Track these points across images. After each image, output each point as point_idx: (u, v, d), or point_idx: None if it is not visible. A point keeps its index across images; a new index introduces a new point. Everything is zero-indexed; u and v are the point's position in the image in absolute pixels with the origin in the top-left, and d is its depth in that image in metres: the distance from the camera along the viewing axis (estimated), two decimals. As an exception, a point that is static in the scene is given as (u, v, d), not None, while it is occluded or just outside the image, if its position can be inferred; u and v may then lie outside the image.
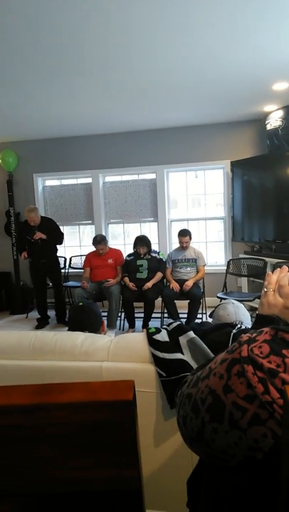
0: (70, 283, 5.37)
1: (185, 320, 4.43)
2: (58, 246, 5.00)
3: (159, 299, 4.54)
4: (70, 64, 3.11)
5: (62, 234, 5.05)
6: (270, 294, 0.81)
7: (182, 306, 4.52)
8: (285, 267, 0.84)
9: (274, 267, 4.44)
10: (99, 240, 4.74)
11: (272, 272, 0.85)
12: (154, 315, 4.51)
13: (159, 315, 4.67)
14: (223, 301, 2.02)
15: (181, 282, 4.47)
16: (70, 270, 5.66)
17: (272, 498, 0.59)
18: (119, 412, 0.52)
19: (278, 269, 0.85)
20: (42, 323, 4.94)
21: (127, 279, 4.57)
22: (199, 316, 4.57)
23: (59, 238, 4.96)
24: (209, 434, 0.63)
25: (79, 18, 2.42)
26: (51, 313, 5.11)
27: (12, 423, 0.55)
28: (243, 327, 1.60)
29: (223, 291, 4.71)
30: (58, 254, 5.07)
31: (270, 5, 2.35)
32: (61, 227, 5.16)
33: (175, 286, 4.46)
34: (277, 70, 3.42)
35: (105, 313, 4.37)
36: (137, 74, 3.41)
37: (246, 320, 1.77)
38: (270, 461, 0.58)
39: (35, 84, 3.52)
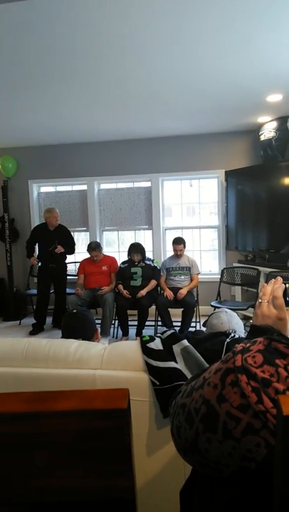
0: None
1: (179, 328, 4.43)
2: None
3: (153, 306, 4.54)
4: (65, 72, 3.14)
5: (75, 244, 5.16)
6: (265, 305, 0.81)
7: (176, 315, 4.52)
8: (279, 278, 0.85)
9: (267, 276, 4.47)
10: (93, 247, 4.74)
11: (267, 283, 0.86)
12: (147, 323, 4.51)
13: (153, 323, 4.66)
14: (216, 309, 2.02)
15: (175, 290, 4.48)
16: (64, 277, 5.64)
17: (265, 508, 0.59)
18: (113, 420, 0.52)
19: (273, 280, 0.86)
20: (37, 330, 4.92)
21: (121, 286, 4.57)
22: (193, 324, 4.56)
23: (73, 248, 5.10)
24: (203, 444, 0.63)
25: (73, 28, 2.45)
26: (47, 319, 5.10)
27: (5, 431, 0.55)
28: (237, 336, 1.60)
29: (216, 299, 4.72)
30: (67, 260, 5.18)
31: (263, 17, 2.39)
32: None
33: (169, 294, 4.46)
34: (271, 82, 3.48)
35: (99, 321, 4.35)
36: (131, 84, 3.44)
37: (239, 329, 1.77)
38: (264, 471, 0.58)
39: (31, 91, 3.54)
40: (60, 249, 4.85)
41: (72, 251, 5.10)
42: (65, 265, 5.14)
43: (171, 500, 0.96)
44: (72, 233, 5.21)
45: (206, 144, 5.43)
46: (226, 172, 5.28)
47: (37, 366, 1.48)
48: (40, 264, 5.02)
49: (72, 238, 5.14)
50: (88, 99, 3.83)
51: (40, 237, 5.02)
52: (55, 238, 4.90)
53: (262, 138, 4.89)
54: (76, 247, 5.22)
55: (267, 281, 0.87)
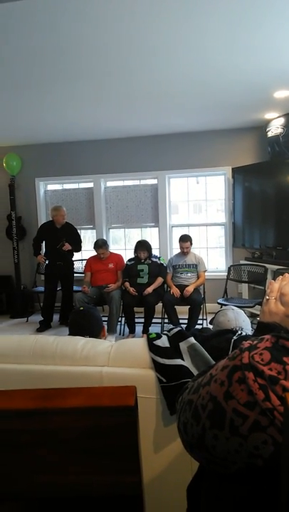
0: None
1: (185, 326, 4.42)
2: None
3: (160, 304, 4.54)
4: (70, 70, 3.14)
5: (81, 241, 5.19)
6: (272, 302, 0.81)
7: (182, 312, 4.52)
8: (287, 274, 0.85)
9: (274, 274, 4.44)
10: (100, 245, 4.75)
11: (274, 280, 0.85)
12: (154, 320, 4.51)
13: (160, 320, 4.67)
14: (223, 307, 2.02)
15: (182, 288, 4.47)
16: (71, 274, 5.66)
17: (272, 505, 0.59)
18: (121, 417, 0.52)
19: (280, 276, 0.85)
20: (44, 327, 4.95)
21: (127, 283, 4.57)
22: (200, 322, 4.56)
23: (80, 246, 5.14)
24: (210, 440, 0.63)
25: (77, 26, 2.44)
26: (55, 317, 5.13)
27: (13, 427, 0.55)
28: (244, 333, 1.60)
29: (223, 297, 4.71)
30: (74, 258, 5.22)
31: (270, 13, 2.37)
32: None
33: (175, 291, 4.46)
34: (279, 78, 3.45)
35: (106, 318, 4.36)
36: (137, 81, 3.44)
37: (246, 326, 1.77)
38: (271, 468, 0.58)
39: (37, 89, 3.55)
40: (67, 246, 4.87)
41: (79, 248, 5.12)
42: (72, 263, 5.16)
43: (179, 496, 0.96)
44: (78, 231, 5.23)
45: (213, 141, 5.40)
46: (232, 169, 5.25)
47: (44, 363, 1.49)
48: (47, 261, 5.05)
49: (79, 236, 5.16)
50: (93, 96, 3.82)
51: (47, 234, 5.04)
52: (62, 236, 4.92)
53: (269, 134, 4.85)
54: (83, 244, 5.24)
55: (274, 279, 0.87)
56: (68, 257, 5.07)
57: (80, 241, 5.15)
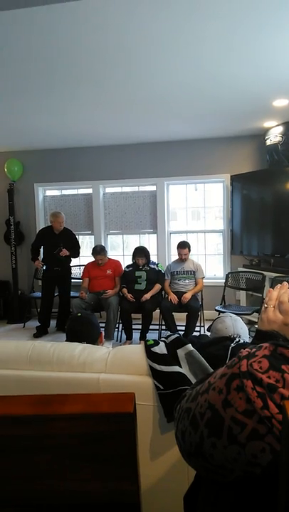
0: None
1: (183, 332, 4.41)
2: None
3: (157, 310, 4.53)
4: (70, 76, 3.16)
5: (79, 247, 5.19)
6: (270, 310, 0.81)
7: (180, 319, 4.51)
8: (285, 283, 0.85)
9: (272, 281, 4.45)
10: (98, 251, 4.75)
11: (273, 288, 0.86)
12: (151, 327, 4.50)
13: (157, 327, 4.66)
14: (221, 314, 2.02)
15: (180, 294, 4.47)
16: (69, 280, 5.66)
17: (270, 515, 0.59)
18: (119, 424, 0.52)
19: (279, 285, 0.86)
20: (41, 332, 4.93)
21: (125, 290, 4.57)
22: (197, 328, 4.55)
23: (78, 252, 5.14)
24: (208, 448, 0.63)
25: (77, 32, 2.47)
26: (52, 322, 5.12)
27: (10, 433, 0.55)
28: (241, 341, 1.60)
29: (221, 304, 4.71)
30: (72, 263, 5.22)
31: (268, 21, 2.40)
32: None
33: (173, 298, 4.46)
34: (277, 87, 3.48)
35: (103, 324, 4.35)
36: (135, 88, 3.46)
37: (244, 333, 1.77)
38: (269, 477, 0.58)
39: (37, 95, 3.57)
40: (64, 252, 4.87)
41: (76, 254, 5.12)
42: (69, 268, 5.16)
43: (175, 504, 0.95)
44: (77, 236, 5.23)
45: (212, 149, 5.44)
46: (231, 176, 5.28)
47: (41, 369, 1.49)
48: (44, 267, 5.04)
49: (77, 241, 5.16)
50: (93, 103, 3.85)
51: (45, 240, 5.04)
52: (60, 241, 4.92)
53: (268, 142, 4.89)
54: (81, 250, 5.24)
55: (272, 286, 0.87)
56: (66, 263, 5.07)
57: (79, 247, 5.15)
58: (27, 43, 2.59)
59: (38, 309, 5.27)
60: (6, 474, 0.54)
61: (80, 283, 4.94)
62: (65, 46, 2.65)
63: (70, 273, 5.20)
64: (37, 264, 5.09)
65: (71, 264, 5.19)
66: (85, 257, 5.54)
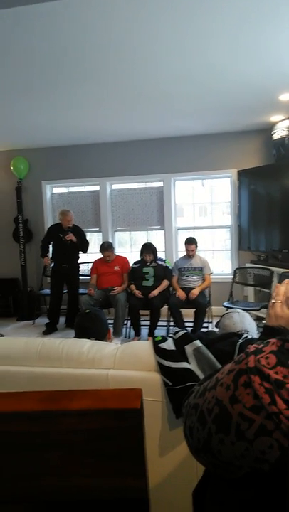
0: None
1: (191, 329, 4.41)
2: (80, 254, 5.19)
3: (165, 307, 4.53)
4: (75, 73, 3.16)
5: (88, 243, 5.20)
6: (278, 306, 0.81)
7: (188, 315, 4.51)
8: (292, 279, 0.84)
9: (280, 277, 4.42)
10: (106, 247, 4.76)
11: (281, 283, 0.85)
12: (159, 323, 4.50)
13: (165, 323, 4.66)
14: (228, 310, 2.01)
15: (187, 291, 4.47)
16: (77, 277, 5.68)
17: (279, 510, 0.59)
18: (127, 420, 0.53)
19: (286, 280, 0.85)
20: (50, 329, 4.97)
21: (133, 286, 4.58)
22: (205, 325, 4.55)
23: (86, 246, 5.15)
24: (216, 445, 0.63)
25: (82, 28, 2.46)
26: (61, 319, 5.15)
27: (20, 429, 0.56)
28: (249, 337, 1.59)
29: (229, 300, 4.69)
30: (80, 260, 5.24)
31: (275, 15, 2.37)
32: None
33: (181, 294, 4.45)
34: (283, 80, 3.44)
35: (111, 321, 4.37)
36: (141, 84, 3.45)
37: (252, 329, 1.76)
38: (277, 473, 0.58)
39: (43, 92, 3.57)
40: (71, 236, 4.88)
41: (85, 249, 5.13)
42: (77, 265, 5.18)
43: (184, 500, 0.96)
44: (85, 233, 5.25)
45: (218, 144, 5.40)
46: (238, 172, 5.24)
47: (50, 365, 1.50)
48: (53, 264, 5.07)
49: (86, 238, 5.17)
50: (99, 99, 3.85)
51: (54, 236, 5.06)
52: (62, 236, 4.94)
53: (275, 137, 4.84)
54: (89, 247, 5.26)
55: (280, 282, 0.86)
56: (74, 260, 5.10)
57: (87, 243, 5.16)
58: (30, 40, 2.59)
59: (47, 306, 5.31)
60: (15, 470, 0.55)
61: (88, 280, 4.96)
62: (68, 43, 2.64)
63: (78, 270, 5.23)
64: (46, 261, 5.14)
65: (79, 261, 5.21)
66: (93, 253, 5.55)
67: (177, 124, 4.90)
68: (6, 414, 0.56)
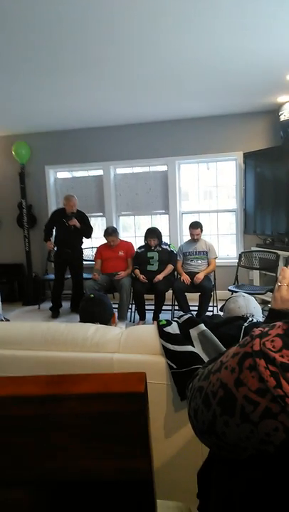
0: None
1: (196, 313, 4.43)
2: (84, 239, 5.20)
3: (170, 291, 4.54)
4: (79, 55, 3.10)
5: (92, 229, 5.19)
6: (284, 289, 0.80)
7: (193, 299, 4.52)
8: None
9: (286, 260, 4.40)
10: (110, 232, 4.75)
11: (287, 267, 0.84)
12: (164, 307, 4.52)
13: (170, 307, 4.68)
14: (233, 294, 2.01)
15: (192, 275, 4.46)
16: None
17: (284, 492, 0.59)
18: (130, 403, 0.52)
19: (292, 262, 0.84)
20: (56, 313, 5.04)
21: (137, 271, 4.58)
22: (210, 308, 4.56)
23: (89, 231, 5.15)
24: (220, 427, 0.63)
25: (86, 9, 2.40)
26: (65, 304, 5.19)
27: (25, 413, 0.56)
28: (255, 320, 1.59)
29: (234, 284, 4.69)
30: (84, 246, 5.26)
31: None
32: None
33: (186, 278, 4.45)
34: (292, 59, 3.35)
35: (116, 305, 4.39)
36: (146, 65, 3.38)
37: (257, 313, 1.76)
38: (282, 455, 0.58)
39: (45, 76, 3.51)
40: (74, 221, 4.88)
41: (88, 235, 5.14)
42: (81, 250, 5.19)
43: (189, 481, 0.97)
44: (89, 219, 5.24)
45: (224, 126, 5.31)
46: (244, 154, 5.16)
47: (56, 349, 1.51)
48: (56, 248, 5.09)
49: (89, 223, 5.16)
50: (102, 82, 3.77)
51: (57, 221, 5.06)
52: (65, 221, 4.94)
53: (282, 118, 4.74)
54: (93, 232, 5.25)
55: (286, 265, 0.85)
56: (77, 245, 5.11)
57: (91, 228, 5.16)
58: (34, 26, 2.53)
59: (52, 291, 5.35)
60: (20, 453, 0.55)
61: (93, 265, 4.97)
62: (72, 24, 2.58)
63: (82, 255, 5.24)
64: (49, 245, 5.16)
65: (83, 247, 5.22)
66: (97, 238, 5.55)
67: (182, 106, 4.82)
68: (10, 398, 0.56)
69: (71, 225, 4.89)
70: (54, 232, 5.21)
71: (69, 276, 5.19)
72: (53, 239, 5.22)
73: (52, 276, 5.39)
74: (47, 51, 2.99)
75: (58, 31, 2.69)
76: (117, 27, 2.66)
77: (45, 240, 5.21)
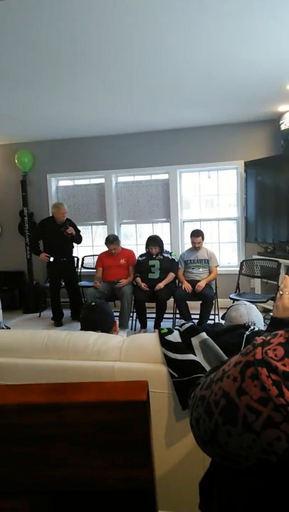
0: (83, 283, 5.40)
1: (197, 321, 4.41)
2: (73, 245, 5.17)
3: (171, 299, 4.53)
4: (79, 64, 3.13)
5: (81, 237, 5.19)
6: (286, 297, 0.80)
7: (194, 307, 4.51)
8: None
9: (288, 269, 4.40)
10: (111, 240, 4.75)
11: (288, 275, 0.84)
12: (165, 315, 4.51)
13: (171, 316, 4.66)
14: (235, 302, 2.00)
15: (194, 283, 4.46)
16: (83, 270, 5.70)
17: (286, 502, 0.59)
18: (133, 412, 0.52)
19: (293, 271, 0.84)
20: (59, 321, 5.03)
21: (139, 279, 4.57)
22: (211, 317, 4.54)
23: (80, 238, 5.13)
24: (222, 436, 0.63)
25: (86, 16, 2.43)
26: (66, 312, 5.19)
27: (26, 421, 0.56)
28: (256, 329, 1.58)
29: (235, 292, 4.68)
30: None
31: (281, 3, 2.32)
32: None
33: (187, 286, 4.45)
34: (292, 69, 3.38)
35: (117, 313, 4.38)
36: (146, 74, 3.41)
37: (259, 321, 1.75)
38: (285, 465, 0.57)
39: (48, 84, 3.55)
40: (71, 229, 4.85)
41: (79, 240, 5.10)
42: (73, 258, 5.21)
43: (191, 491, 0.96)
44: (90, 226, 5.24)
45: (225, 135, 5.35)
46: (245, 163, 5.19)
47: (57, 358, 1.51)
48: (51, 258, 4.95)
49: (79, 231, 5.12)
50: (103, 91, 3.81)
51: (47, 230, 4.98)
52: (63, 231, 4.89)
53: (282, 127, 4.78)
54: (94, 240, 5.24)
55: (288, 274, 0.85)
56: (70, 253, 5.10)
57: (80, 236, 5.11)
58: (33, 30, 2.56)
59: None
60: (19, 462, 0.55)
61: (94, 273, 4.97)
62: (72, 33, 2.61)
63: (74, 263, 5.25)
64: (43, 257, 4.95)
65: (73, 255, 5.20)
66: (98, 246, 5.55)
67: (183, 115, 4.86)
68: (12, 406, 0.56)
69: (69, 234, 4.85)
70: (42, 243, 5.09)
71: (63, 284, 5.13)
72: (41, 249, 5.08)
73: (52, 284, 5.37)
74: (48, 60, 3.03)
75: (58, 39, 2.72)
76: (117, 36, 2.70)
77: (36, 253, 5.03)
